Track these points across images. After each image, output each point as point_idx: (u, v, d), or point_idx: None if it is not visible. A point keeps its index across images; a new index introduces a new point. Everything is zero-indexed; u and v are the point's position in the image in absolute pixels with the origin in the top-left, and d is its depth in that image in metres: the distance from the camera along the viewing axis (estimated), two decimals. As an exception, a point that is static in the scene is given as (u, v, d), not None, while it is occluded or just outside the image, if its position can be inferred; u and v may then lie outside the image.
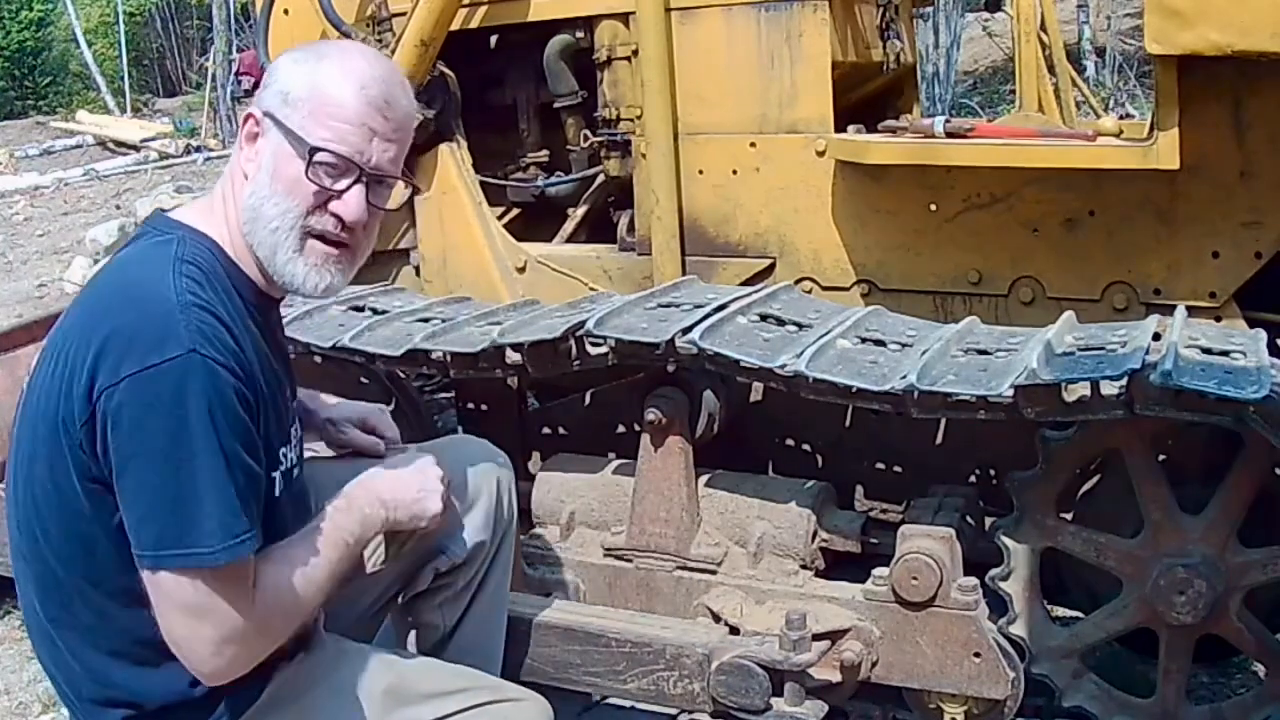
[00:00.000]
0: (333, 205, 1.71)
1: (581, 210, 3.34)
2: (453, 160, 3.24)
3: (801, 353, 2.16)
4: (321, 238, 1.72)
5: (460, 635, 2.09)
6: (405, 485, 1.86)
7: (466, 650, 2.08)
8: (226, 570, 1.59)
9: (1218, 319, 2.50)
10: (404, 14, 3.14)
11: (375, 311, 2.76)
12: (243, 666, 1.65)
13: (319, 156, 1.68)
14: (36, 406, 1.68)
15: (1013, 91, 4.65)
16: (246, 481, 1.62)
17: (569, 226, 3.35)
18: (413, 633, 2.13)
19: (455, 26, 3.15)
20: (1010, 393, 2.01)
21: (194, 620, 1.60)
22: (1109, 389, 2.02)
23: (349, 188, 1.71)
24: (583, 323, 2.32)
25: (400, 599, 2.10)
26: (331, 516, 1.78)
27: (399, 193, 1.83)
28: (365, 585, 2.00)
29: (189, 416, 1.56)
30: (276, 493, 1.76)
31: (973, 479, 2.62)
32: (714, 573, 2.40)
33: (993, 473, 2.61)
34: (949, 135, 2.66)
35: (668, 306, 2.46)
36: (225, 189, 1.77)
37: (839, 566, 2.43)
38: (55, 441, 1.63)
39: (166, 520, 1.57)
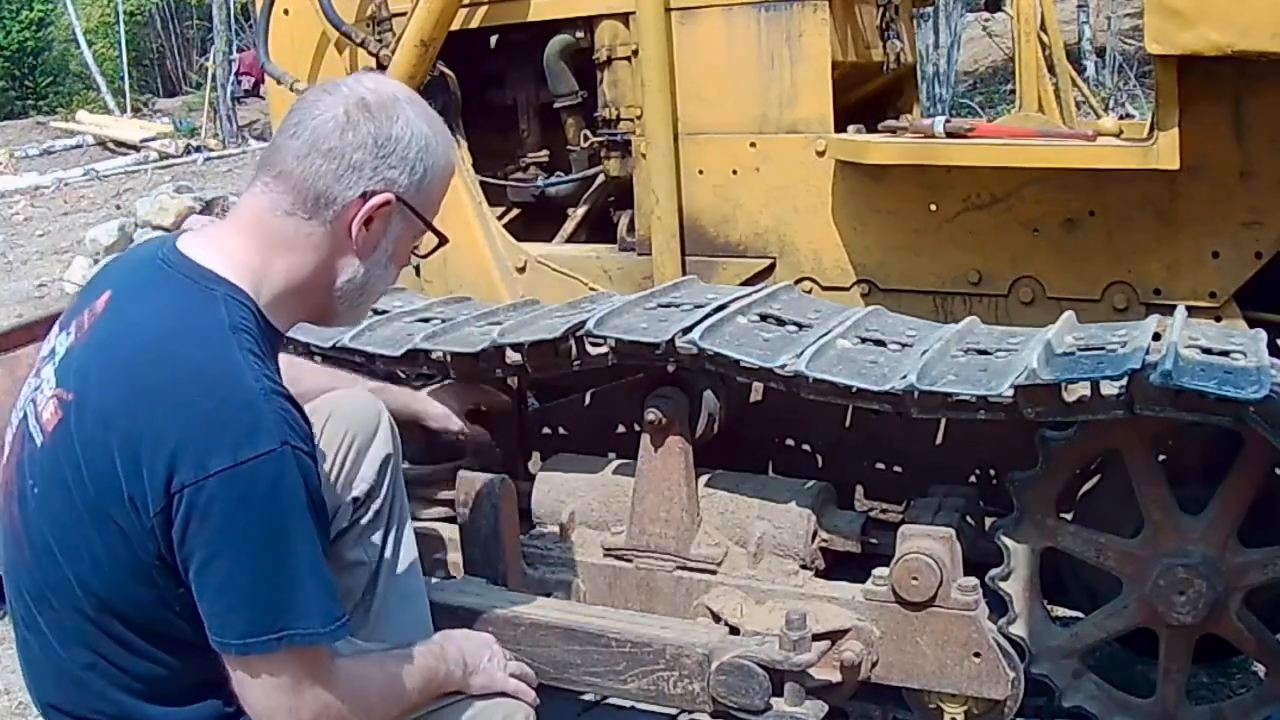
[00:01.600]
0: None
1: (581, 210, 3.34)
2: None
3: (801, 353, 2.16)
4: None
5: (385, 569, 2.14)
6: (477, 650, 1.90)
7: (397, 588, 2.14)
8: (320, 652, 1.60)
9: (1218, 319, 2.50)
10: (404, 14, 3.14)
11: (375, 311, 2.76)
12: None
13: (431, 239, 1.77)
14: (79, 470, 1.59)
15: (1013, 91, 4.66)
16: (327, 562, 1.63)
17: (569, 226, 3.35)
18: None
19: (455, 26, 3.15)
20: (1010, 393, 2.01)
21: (277, 697, 1.59)
22: (1109, 389, 2.02)
23: None
24: (583, 323, 2.32)
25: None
26: (427, 652, 1.82)
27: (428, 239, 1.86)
28: None
29: (286, 509, 1.55)
30: None
31: (973, 479, 2.62)
32: (714, 573, 2.40)
33: (993, 473, 2.60)
34: (949, 135, 2.66)
35: (668, 306, 2.46)
36: (273, 242, 1.68)
37: (839, 566, 2.43)
38: (119, 515, 1.57)
39: (261, 609, 1.55)
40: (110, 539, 1.59)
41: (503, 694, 1.87)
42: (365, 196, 1.66)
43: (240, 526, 1.53)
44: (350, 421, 2.15)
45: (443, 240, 1.79)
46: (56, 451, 1.62)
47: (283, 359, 2.04)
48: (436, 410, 2.56)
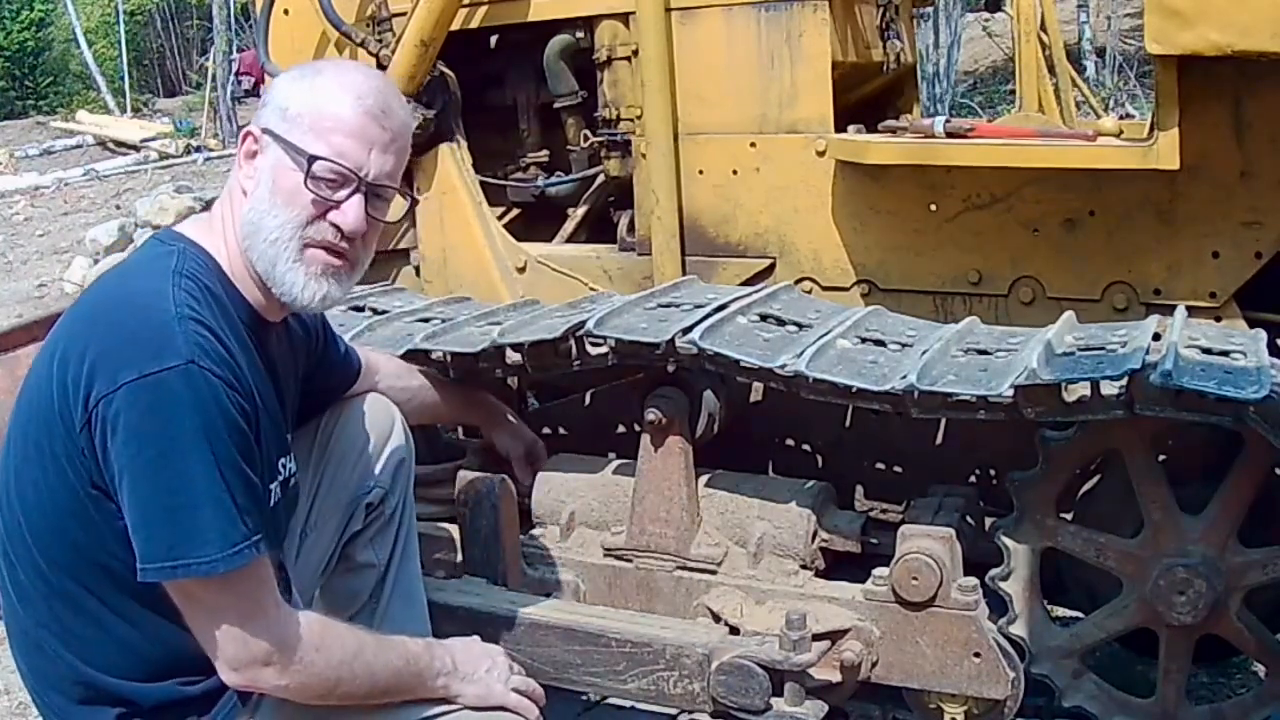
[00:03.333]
0: (331, 215, 1.73)
1: (581, 210, 3.34)
2: (453, 160, 3.24)
3: (801, 353, 2.16)
4: (320, 247, 1.74)
5: (392, 570, 2.17)
6: (475, 659, 1.91)
7: (402, 589, 2.17)
8: (232, 578, 1.61)
9: (1218, 319, 2.50)
10: (404, 14, 3.14)
11: (375, 311, 2.77)
12: (270, 679, 1.66)
13: (317, 167, 1.70)
14: (30, 405, 1.69)
15: (1013, 91, 4.66)
16: (245, 490, 1.63)
17: (569, 226, 3.35)
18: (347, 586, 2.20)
19: (455, 26, 3.15)
20: (1010, 393, 2.01)
21: (219, 625, 1.63)
22: (1109, 389, 2.02)
23: (348, 198, 1.73)
24: (583, 323, 2.32)
25: (338, 547, 2.17)
26: (410, 642, 1.84)
27: (398, 205, 1.86)
28: (316, 540, 2.10)
29: (184, 426, 1.57)
30: (273, 502, 1.80)
31: (973, 479, 2.62)
32: (714, 573, 2.40)
33: (993, 473, 2.60)
34: (949, 135, 2.66)
35: (668, 306, 2.46)
36: (224, 207, 1.79)
37: (839, 566, 2.43)
38: (55, 443, 1.64)
39: (157, 531, 1.58)
40: (49, 474, 1.65)
41: (501, 708, 1.87)
42: (244, 136, 1.77)
43: (140, 440, 1.57)
44: (366, 424, 2.17)
45: (311, 160, 1.71)
46: (21, 396, 1.72)
47: (368, 359, 2.21)
48: (509, 442, 2.62)
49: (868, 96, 3.24)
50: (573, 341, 2.38)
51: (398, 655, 1.79)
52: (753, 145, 2.91)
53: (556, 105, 3.25)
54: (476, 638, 1.99)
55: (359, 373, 2.22)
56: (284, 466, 1.84)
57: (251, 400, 1.68)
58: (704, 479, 2.47)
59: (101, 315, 1.66)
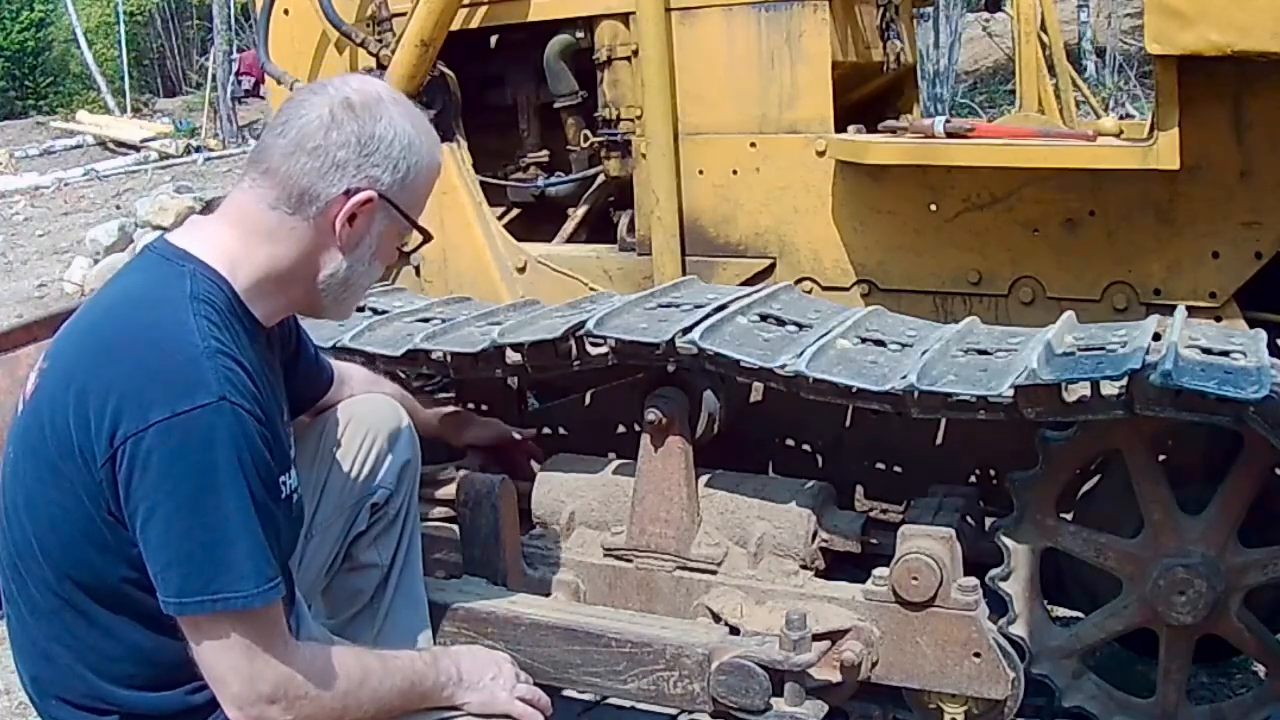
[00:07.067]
0: None
1: (581, 210, 3.34)
2: (453, 160, 3.23)
3: (801, 353, 2.16)
4: None
5: (395, 572, 2.17)
6: (480, 667, 1.91)
7: (405, 591, 2.17)
8: (260, 614, 1.61)
9: (1218, 319, 2.50)
10: (404, 14, 3.15)
11: (375, 311, 2.77)
12: (275, 716, 1.65)
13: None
14: (43, 430, 1.65)
15: (1013, 91, 4.66)
16: (271, 526, 1.64)
17: (569, 226, 3.35)
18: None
19: (455, 26, 3.15)
20: (1010, 393, 2.01)
21: (229, 661, 1.62)
22: (1109, 389, 2.02)
23: None
24: (583, 323, 2.32)
25: (343, 548, 2.17)
26: (417, 658, 1.84)
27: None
28: (320, 541, 2.10)
29: (220, 463, 1.57)
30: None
31: (973, 479, 2.62)
32: (714, 573, 2.40)
33: (993, 473, 2.61)
34: (949, 135, 2.66)
35: (668, 306, 2.46)
36: (255, 233, 1.72)
37: (839, 566, 2.43)
38: (72, 471, 1.62)
39: (195, 566, 1.57)
40: (65, 497, 1.63)
41: (506, 716, 1.88)
42: (349, 193, 1.70)
43: (175, 477, 1.56)
44: (371, 424, 2.17)
45: (427, 237, 1.81)
46: (29, 417, 1.69)
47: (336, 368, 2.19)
48: (479, 432, 2.65)
49: (868, 96, 3.24)
50: (573, 341, 2.38)
51: (403, 677, 1.79)
52: (753, 145, 2.91)
53: (556, 105, 3.25)
54: (480, 646, 2.00)
55: (330, 380, 2.21)
56: (284, 484, 1.82)
57: (271, 428, 1.68)
58: (704, 479, 2.47)
59: (123, 349, 1.61)
